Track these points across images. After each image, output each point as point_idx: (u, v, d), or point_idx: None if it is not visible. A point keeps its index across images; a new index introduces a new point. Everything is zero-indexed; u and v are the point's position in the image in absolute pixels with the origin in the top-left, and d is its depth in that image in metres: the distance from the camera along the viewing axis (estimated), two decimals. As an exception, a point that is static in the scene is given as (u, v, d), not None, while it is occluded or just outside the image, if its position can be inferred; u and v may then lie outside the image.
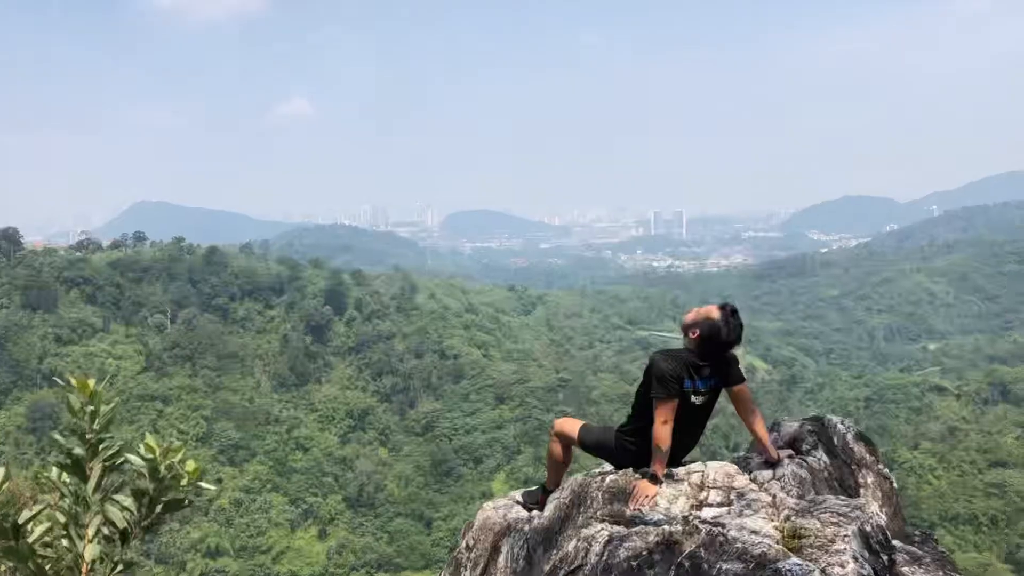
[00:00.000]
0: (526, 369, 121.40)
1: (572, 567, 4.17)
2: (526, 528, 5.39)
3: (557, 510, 5.23)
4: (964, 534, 76.50)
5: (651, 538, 3.87)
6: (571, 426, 5.97)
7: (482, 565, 5.56)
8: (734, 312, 5.62)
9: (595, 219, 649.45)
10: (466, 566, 5.74)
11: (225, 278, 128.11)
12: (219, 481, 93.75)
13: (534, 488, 6.32)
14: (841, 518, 3.93)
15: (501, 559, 5.36)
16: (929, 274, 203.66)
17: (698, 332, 5.49)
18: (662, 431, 5.11)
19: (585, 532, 4.34)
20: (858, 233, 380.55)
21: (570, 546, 4.36)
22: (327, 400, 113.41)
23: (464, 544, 5.91)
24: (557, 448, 6.02)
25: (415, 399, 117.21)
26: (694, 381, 5.34)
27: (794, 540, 3.85)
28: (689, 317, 5.65)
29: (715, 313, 5.58)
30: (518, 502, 6.13)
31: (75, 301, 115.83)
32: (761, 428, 5.63)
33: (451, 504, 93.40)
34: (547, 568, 4.53)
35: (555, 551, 4.81)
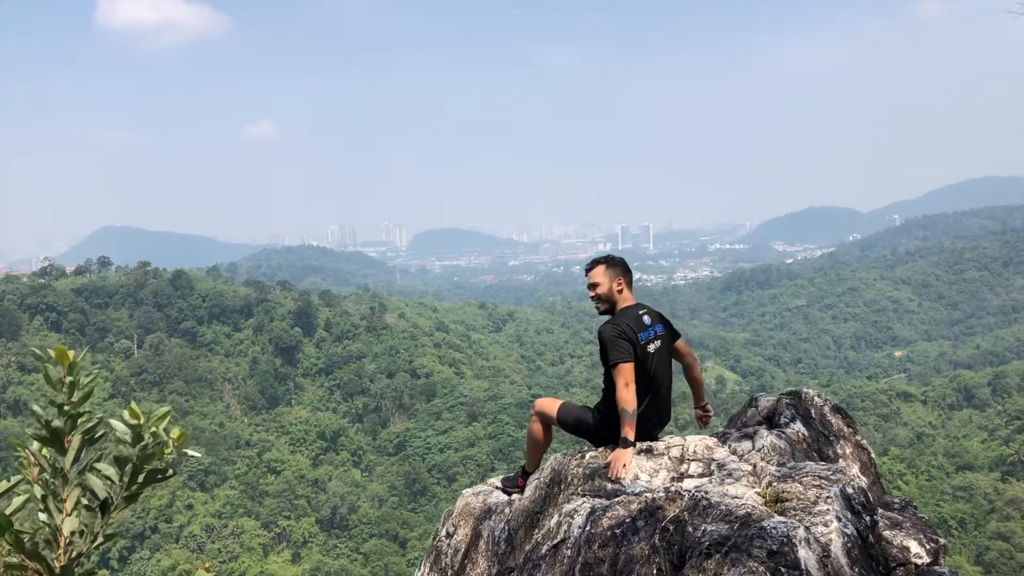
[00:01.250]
0: (498, 386, 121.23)
1: (555, 542, 4.16)
2: (507, 511, 5.36)
3: (537, 490, 5.21)
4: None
5: (634, 506, 3.87)
6: (551, 405, 5.98)
7: (463, 551, 5.51)
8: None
9: (563, 235, 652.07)
10: (446, 553, 5.68)
11: (192, 302, 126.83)
12: (189, 507, 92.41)
13: (512, 474, 6.32)
14: (823, 481, 3.96)
15: (482, 544, 5.32)
16: (893, 282, 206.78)
17: (604, 284, 5.84)
18: (625, 393, 5.16)
19: (566, 507, 4.33)
20: (822, 243, 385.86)
21: (552, 522, 4.35)
22: (298, 422, 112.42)
23: (444, 532, 5.86)
24: (538, 428, 6.01)
25: (387, 419, 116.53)
26: (640, 333, 5.46)
27: (777, 504, 3.87)
28: (596, 292, 5.93)
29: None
30: (498, 487, 6.11)
31: (39, 328, 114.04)
32: (698, 375, 6.01)
33: (426, 524, 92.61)
34: (529, 547, 4.51)
35: (537, 530, 4.79)
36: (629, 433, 5.06)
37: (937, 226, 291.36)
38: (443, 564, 5.65)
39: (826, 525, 3.55)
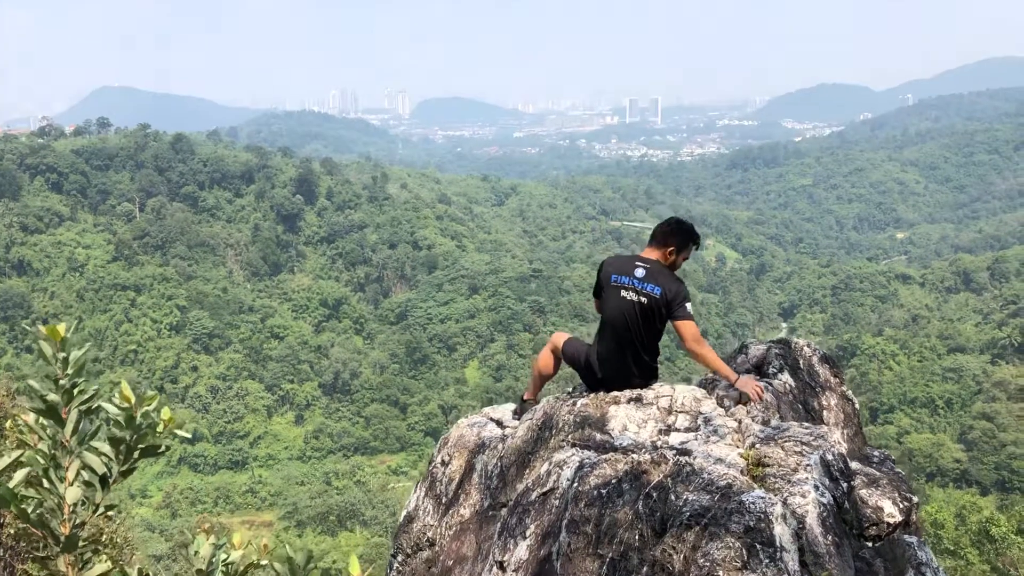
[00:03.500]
0: (499, 260, 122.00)
1: (544, 490, 4.31)
2: (499, 447, 5.53)
3: (530, 431, 5.36)
4: (921, 416, 79.49)
5: (620, 466, 3.99)
6: (561, 338, 6.15)
7: (457, 480, 5.73)
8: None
9: (570, 107, 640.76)
10: (441, 481, 5.90)
11: (193, 166, 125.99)
12: (194, 369, 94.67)
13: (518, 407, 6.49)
14: (804, 447, 4.07)
15: (475, 476, 5.52)
16: (900, 164, 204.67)
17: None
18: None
19: (557, 456, 4.46)
20: (832, 122, 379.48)
21: (542, 468, 4.49)
22: (300, 289, 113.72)
23: (439, 459, 6.06)
24: (547, 358, 6.14)
25: (388, 289, 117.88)
26: (620, 277, 5.52)
27: (758, 468, 3.99)
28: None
29: None
30: (492, 419, 6.28)
31: (40, 189, 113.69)
32: (709, 361, 5.29)
33: (426, 390, 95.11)
34: (521, 487, 4.67)
35: (528, 471, 4.97)
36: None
37: (950, 107, 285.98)
38: (438, 491, 5.87)
39: (803, 496, 3.68)
